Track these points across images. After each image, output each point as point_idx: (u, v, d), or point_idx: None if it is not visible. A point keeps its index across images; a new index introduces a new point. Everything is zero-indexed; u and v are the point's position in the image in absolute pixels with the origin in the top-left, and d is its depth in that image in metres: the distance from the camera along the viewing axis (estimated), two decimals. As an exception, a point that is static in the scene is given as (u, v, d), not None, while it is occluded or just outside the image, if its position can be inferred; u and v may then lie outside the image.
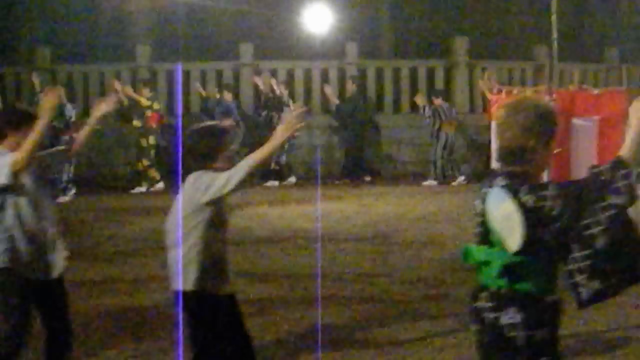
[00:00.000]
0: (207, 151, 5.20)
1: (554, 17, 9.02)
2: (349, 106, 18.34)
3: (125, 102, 17.03)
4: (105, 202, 15.90)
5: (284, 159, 17.93)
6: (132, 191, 17.05)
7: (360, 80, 19.25)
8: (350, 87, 18.68)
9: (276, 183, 17.62)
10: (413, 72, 19.97)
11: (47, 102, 5.50)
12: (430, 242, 11.60)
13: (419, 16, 24.54)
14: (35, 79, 16.89)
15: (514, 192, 3.76)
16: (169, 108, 19.15)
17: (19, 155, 5.26)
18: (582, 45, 23.35)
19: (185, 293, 5.08)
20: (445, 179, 17.62)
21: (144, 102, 17.18)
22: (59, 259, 5.61)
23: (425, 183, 17.58)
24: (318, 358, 6.09)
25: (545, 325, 3.86)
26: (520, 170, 3.88)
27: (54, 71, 19.72)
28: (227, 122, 17.25)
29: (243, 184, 4.94)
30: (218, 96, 18.16)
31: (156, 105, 17.49)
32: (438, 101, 17.85)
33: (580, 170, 9.33)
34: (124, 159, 18.93)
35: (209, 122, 5.91)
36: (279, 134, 5.09)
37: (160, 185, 16.91)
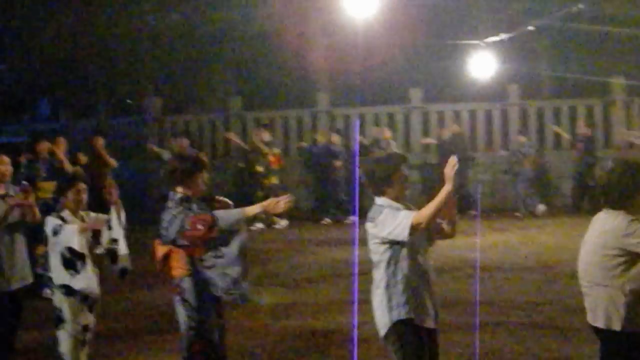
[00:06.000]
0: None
1: None
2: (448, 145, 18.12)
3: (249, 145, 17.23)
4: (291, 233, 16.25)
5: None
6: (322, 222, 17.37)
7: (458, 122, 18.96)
8: (455, 129, 18.42)
9: None
10: (572, 111, 19.52)
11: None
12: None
13: (576, 58, 24.03)
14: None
15: None
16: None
17: (422, 218, 5.11)
18: None
19: (613, 333, 4.90)
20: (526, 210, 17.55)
21: (264, 149, 17.23)
22: (437, 304, 5.36)
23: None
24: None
25: None
26: None
27: (244, 117, 20.38)
28: (338, 164, 17.52)
29: None
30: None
31: (276, 150, 17.66)
32: (522, 139, 17.66)
33: None
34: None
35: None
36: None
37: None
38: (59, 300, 6.49)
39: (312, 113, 20.24)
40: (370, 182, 5.37)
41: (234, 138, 17.84)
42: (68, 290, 6.46)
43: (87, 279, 6.46)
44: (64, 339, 6.47)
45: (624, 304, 4.79)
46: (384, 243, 5.20)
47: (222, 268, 5.62)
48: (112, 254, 6.67)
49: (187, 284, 5.74)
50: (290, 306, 9.80)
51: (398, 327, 5.15)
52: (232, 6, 22.33)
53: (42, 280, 9.41)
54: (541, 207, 17.49)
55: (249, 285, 5.78)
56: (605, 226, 4.90)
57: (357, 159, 17.20)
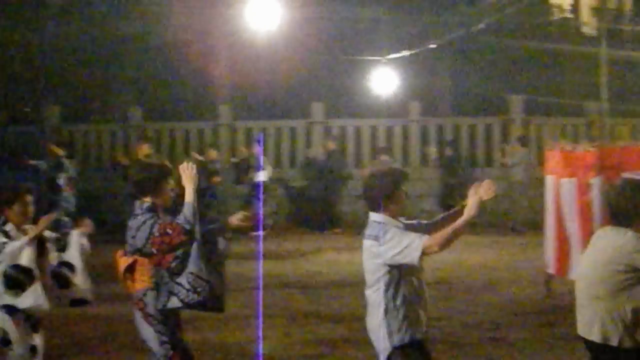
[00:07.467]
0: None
1: (603, 76, 9.03)
2: (326, 161, 18.59)
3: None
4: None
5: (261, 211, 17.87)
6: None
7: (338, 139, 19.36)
8: (330, 146, 18.77)
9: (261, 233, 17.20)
10: (472, 129, 19.99)
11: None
12: (488, 287, 11.53)
13: (477, 76, 24.59)
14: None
15: None
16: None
17: (435, 244, 5.19)
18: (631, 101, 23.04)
19: (610, 348, 4.86)
20: None
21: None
22: (427, 315, 5.43)
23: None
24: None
25: None
26: None
27: (145, 128, 20.16)
28: (217, 180, 17.59)
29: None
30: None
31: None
32: (384, 157, 17.98)
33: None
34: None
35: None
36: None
37: None
38: (1, 320, 5.91)
39: (213, 126, 20.18)
40: (371, 197, 5.30)
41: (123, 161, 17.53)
42: (11, 309, 5.90)
43: (35, 296, 5.86)
44: None
45: (622, 320, 4.82)
46: (387, 264, 5.12)
47: (189, 269, 5.53)
48: (61, 279, 6.13)
49: (150, 297, 5.54)
50: (189, 320, 9.70)
51: (399, 352, 5.14)
52: (133, 17, 22.11)
53: None
54: None
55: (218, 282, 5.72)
56: (611, 242, 4.94)
57: (261, 173, 17.20)
